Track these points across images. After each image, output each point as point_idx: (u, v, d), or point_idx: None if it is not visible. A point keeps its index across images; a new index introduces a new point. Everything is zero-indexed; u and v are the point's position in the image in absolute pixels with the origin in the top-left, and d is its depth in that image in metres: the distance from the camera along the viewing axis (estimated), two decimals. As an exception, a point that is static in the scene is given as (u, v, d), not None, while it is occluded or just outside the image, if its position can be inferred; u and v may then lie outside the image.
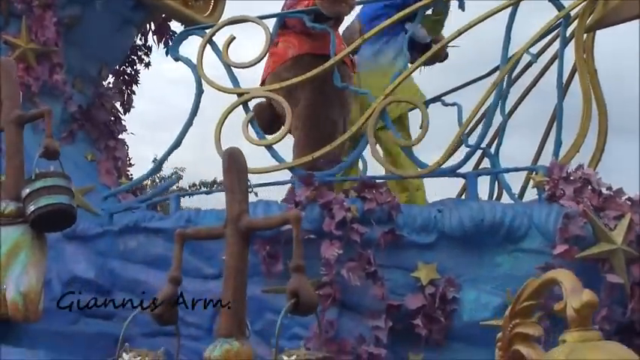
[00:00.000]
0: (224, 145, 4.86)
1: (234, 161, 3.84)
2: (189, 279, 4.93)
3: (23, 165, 4.65)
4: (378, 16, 5.99)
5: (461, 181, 6.04)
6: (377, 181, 4.86)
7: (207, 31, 5.38)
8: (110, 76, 7.42)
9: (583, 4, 5.08)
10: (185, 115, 5.31)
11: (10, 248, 4.48)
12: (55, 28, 6.39)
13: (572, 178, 4.71)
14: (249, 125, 5.11)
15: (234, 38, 5.25)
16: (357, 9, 6.12)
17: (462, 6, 5.13)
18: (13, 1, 6.36)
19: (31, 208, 4.43)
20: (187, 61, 5.34)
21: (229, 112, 5.14)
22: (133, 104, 7.46)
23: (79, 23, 6.59)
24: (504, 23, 5.10)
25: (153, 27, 7.39)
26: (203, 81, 5.25)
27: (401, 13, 5.26)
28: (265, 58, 5.38)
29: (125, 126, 7.17)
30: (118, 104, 7.27)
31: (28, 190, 4.46)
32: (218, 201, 5.10)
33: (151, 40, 7.49)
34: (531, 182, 4.97)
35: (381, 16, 5.92)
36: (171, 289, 3.84)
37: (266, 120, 5.48)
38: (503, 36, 5.08)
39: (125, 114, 7.35)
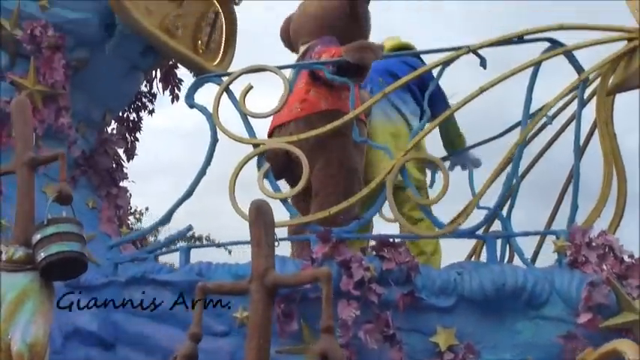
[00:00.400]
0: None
1: (261, 214, 3.71)
2: (198, 335, 4.80)
3: (34, 210, 4.47)
4: (393, 72, 5.93)
5: (467, 243, 5.96)
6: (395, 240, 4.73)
7: (223, 78, 5.27)
8: (113, 122, 7.27)
9: (605, 67, 5.02)
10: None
11: (17, 295, 4.28)
12: (63, 70, 6.25)
13: (594, 244, 4.61)
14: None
15: (252, 87, 5.15)
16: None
17: (483, 64, 5.05)
18: (21, 42, 6.24)
19: (42, 254, 4.24)
20: (203, 109, 5.22)
21: (244, 164, 5.02)
22: (136, 152, 7.30)
23: (86, 67, 6.47)
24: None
25: (159, 74, 7.25)
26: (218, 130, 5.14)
27: (425, 68, 5.18)
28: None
29: (127, 174, 7.02)
30: (120, 151, 7.11)
31: (39, 236, 4.27)
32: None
33: (156, 87, 7.34)
34: (552, 247, 4.83)
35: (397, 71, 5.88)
36: (190, 346, 3.66)
37: (280, 164, 5.34)
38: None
39: (128, 161, 7.19)
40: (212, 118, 5.16)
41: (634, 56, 4.95)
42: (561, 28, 4.97)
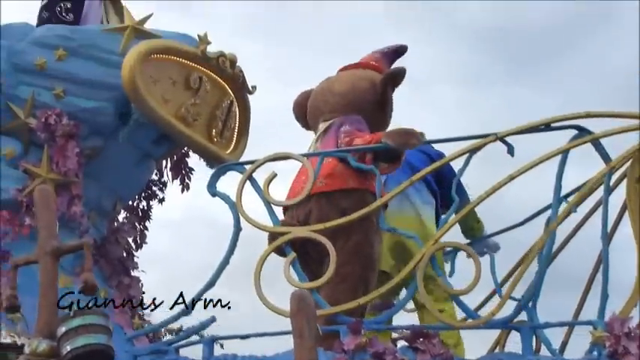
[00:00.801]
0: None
1: (303, 305, 3.56)
2: None
3: (57, 301, 4.29)
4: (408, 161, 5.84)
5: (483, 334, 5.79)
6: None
7: (246, 167, 5.16)
8: (122, 210, 7.13)
9: (634, 154, 4.96)
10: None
11: (40, 392, 4.08)
12: (76, 158, 6.15)
13: (634, 334, 4.46)
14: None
15: (276, 175, 5.05)
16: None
17: (511, 151, 4.96)
18: (35, 130, 6.14)
19: (68, 347, 4.05)
20: (225, 198, 5.10)
21: (270, 253, 4.88)
22: (146, 240, 7.13)
23: (99, 155, 6.36)
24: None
25: (170, 162, 7.14)
26: (242, 218, 5.01)
27: (452, 155, 5.08)
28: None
29: (137, 263, 6.84)
30: (130, 240, 6.95)
31: (64, 329, 4.09)
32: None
33: (166, 175, 7.22)
34: (591, 337, 4.66)
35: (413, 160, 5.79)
36: None
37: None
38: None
39: (137, 250, 7.01)
40: (235, 207, 5.03)
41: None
42: (588, 115, 4.92)
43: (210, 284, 4.98)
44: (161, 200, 7.27)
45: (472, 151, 4.94)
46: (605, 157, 5.02)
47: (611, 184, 5.09)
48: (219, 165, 6.48)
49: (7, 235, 5.89)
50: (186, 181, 7.15)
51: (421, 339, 4.43)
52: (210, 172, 6.70)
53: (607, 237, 5.00)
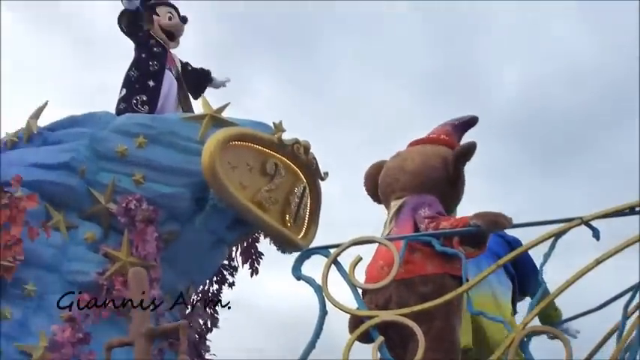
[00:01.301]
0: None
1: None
2: None
3: (153, 382, 4.26)
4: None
5: None
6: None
7: (331, 250, 5.10)
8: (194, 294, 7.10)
9: None
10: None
11: None
12: (155, 243, 6.18)
13: None
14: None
15: (361, 259, 4.98)
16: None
17: (596, 235, 4.86)
18: (115, 215, 6.18)
19: None
20: (310, 281, 5.03)
21: (357, 336, 4.78)
22: (217, 324, 7.06)
23: (175, 240, 6.36)
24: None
25: (240, 247, 7.14)
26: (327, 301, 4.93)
27: (538, 239, 4.99)
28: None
29: (209, 346, 6.77)
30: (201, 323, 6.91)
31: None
32: None
33: (237, 260, 7.21)
34: None
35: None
36: None
37: None
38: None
39: (208, 333, 6.94)
40: (321, 290, 4.96)
41: None
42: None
43: (303, 361, 4.89)
44: (231, 284, 7.24)
45: (557, 235, 4.83)
46: None
47: None
48: (298, 250, 6.52)
49: (88, 318, 5.87)
50: (256, 265, 7.13)
51: None
52: (281, 256, 6.81)
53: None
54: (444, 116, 5.95)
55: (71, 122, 6.65)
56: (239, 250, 7.14)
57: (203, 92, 7.52)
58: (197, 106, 7.34)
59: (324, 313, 4.95)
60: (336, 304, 4.94)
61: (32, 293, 5.82)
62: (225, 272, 7.22)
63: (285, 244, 6.57)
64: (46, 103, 6.71)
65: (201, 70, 7.66)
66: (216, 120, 6.37)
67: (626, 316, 4.78)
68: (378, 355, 4.71)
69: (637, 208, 4.91)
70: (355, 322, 5.01)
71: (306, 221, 6.80)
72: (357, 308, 4.87)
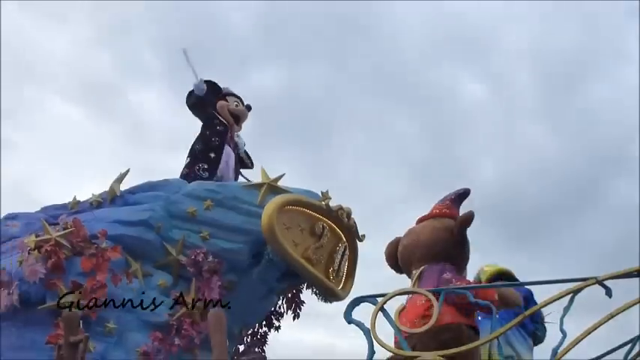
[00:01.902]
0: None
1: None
2: None
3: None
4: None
5: None
6: None
7: (378, 299, 5.17)
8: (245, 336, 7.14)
9: None
10: None
11: None
12: (218, 290, 6.26)
13: None
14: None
15: (404, 308, 5.07)
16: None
17: (609, 294, 4.89)
18: (185, 265, 6.28)
19: None
20: (360, 325, 5.09)
21: (402, 373, 4.84)
22: (266, 363, 7.09)
23: (234, 288, 6.44)
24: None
25: (285, 296, 7.19)
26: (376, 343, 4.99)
27: (555, 296, 5.04)
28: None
29: (259, 382, 6.79)
30: (251, 361, 6.93)
31: None
32: None
33: (282, 307, 7.25)
34: None
35: None
36: None
37: None
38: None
39: (265, 363, 6.95)
40: (369, 333, 5.02)
41: None
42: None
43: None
44: (277, 328, 7.27)
45: (575, 292, 4.89)
46: None
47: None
48: (338, 299, 6.61)
49: (160, 353, 5.93)
50: (298, 311, 7.18)
51: None
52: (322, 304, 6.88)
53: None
54: (432, 198, 6.19)
55: (148, 187, 6.78)
56: (285, 299, 7.19)
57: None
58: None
59: (372, 352, 5.01)
60: (383, 345, 5.01)
61: (113, 331, 5.90)
62: (272, 317, 7.26)
63: (327, 295, 6.65)
64: (127, 171, 6.85)
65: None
66: (272, 188, 6.51)
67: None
68: (420, 388, 4.78)
69: (641, 272, 5.02)
70: None
71: (344, 275, 6.87)
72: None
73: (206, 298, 6.21)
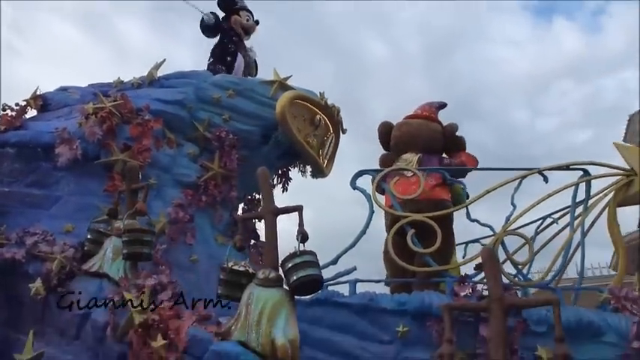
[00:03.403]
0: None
1: (493, 258, 3.25)
2: (368, 342, 4.14)
3: (278, 246, 3.83)
4: None
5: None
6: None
7: (377, 173, 4.79)
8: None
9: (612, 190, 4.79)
10: None
11: (274, 304, 3.60)
12: (236, 161, 5.68)
13: (629, 296, 4.27)
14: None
15: (399, 179, 4.71)
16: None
17: (546, 180, 4.72)
18: (209, 140, 5.64)
19: (294, 277, 3.60)
20: (363, 191, 4.71)
21: (396, 230, 4.50)
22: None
23: (245, 162, 5.85)
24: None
25: (278, 172, 6.66)
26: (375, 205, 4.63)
27: (507, 180, 4.78)
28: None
29: (259, 235, 6.26)
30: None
31: (290, 265, 3.64)
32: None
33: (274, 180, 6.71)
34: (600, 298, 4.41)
35: None
36: (449, 348, 3.06)
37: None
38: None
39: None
40: (371, 197, 4.64)
41: (631, 185, 4.77)
42: (592, 163, 4.75)
43: (351, 246, 4.55)
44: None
45: (523, 177, 4.69)
46: (589, 192, 4.84)
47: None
48: (323, 176, 6.15)
49: (190, 206, 5.34)
50: (286, 185, 6.68)
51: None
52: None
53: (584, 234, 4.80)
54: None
55: (180, 75, 5.97)
56: (278, 175, 6.65)
57: None
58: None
59: (372, 212, 4.65)
60: (382, 207, 4.65)
61: (154, 185, 5.18)
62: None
63: (317, 172, 6.21)
64: (163, 60, 6.03)
65: None
66: (282, 85, 5.88)
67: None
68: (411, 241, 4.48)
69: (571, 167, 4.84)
70: (392, 222, 4.73)
71: (328, 159, 6.40)
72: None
73: (228, 166, 5.63)
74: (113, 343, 3.82)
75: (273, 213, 3.90)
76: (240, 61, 6.65)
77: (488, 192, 4.65)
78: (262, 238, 6.04)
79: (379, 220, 4.88)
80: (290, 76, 5.95)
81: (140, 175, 4.72)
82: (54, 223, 4.73)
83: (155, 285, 3.95)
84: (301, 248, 3.70)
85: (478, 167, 4.85)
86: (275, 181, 6.67)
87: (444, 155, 5.23)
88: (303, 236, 3.73)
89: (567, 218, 5.06)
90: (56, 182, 5.00)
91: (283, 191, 6.71)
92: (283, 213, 3.93)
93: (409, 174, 4.87)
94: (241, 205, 6.56)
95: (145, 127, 5.31)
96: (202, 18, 6.78)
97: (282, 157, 6.23)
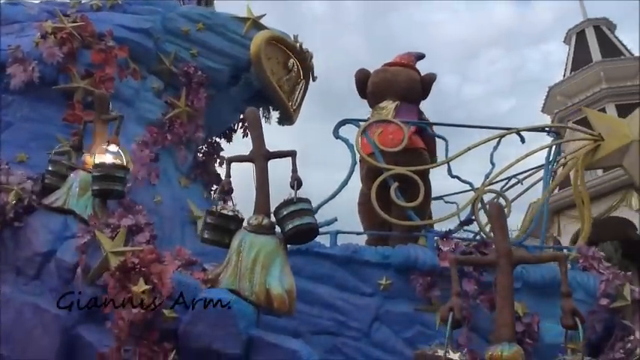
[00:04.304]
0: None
1: (501, 212, 3.16)
2: (349, 294, 4.02)
3: (269, 191, 3.56)
4: None
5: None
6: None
7: (361, 123, 4.57)
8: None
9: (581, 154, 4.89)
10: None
11: (269, 253, 3.35)
12: (204, 100, 5.25)
13: (595, 255, 4.41)
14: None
15: (382, 132, 4.52)
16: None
17: (522, 141, 4.67)
18: (176, 74, 5.17)
19: (289, 225, 3.37)
20: (346, 141, 4.48)
21: (379, 182, 4.34)
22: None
23: (211, 101, 5.44)
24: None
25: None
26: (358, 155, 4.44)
27: (485, 139, 4.70)
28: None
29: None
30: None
31: (285, 212, 3.40)
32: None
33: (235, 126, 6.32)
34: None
35: None
36: (458, 301, 2.97)
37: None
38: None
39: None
40: (354, 148, 4.44)
41: (598, 149, 4.86)
42: (567, 127, 4.82)
43: (332, 197, 4.33)
44: (229, 139, 6.33)
45: (502, 136, 4.63)
46: (558, 153, 4.93)
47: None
48: (290, 123, 5.88)
49: (156, 144, 4.90)
50: (247, 131, 6.31)
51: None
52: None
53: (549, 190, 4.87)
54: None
55: (145, 2, 5.37)
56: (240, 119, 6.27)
57: None
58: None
59: (354, 162, 4.46)
60: (365, 158, 4.46)
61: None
62: (228, 131, 6.33)
63: (285, 118, 5.86)
64: (129, -15, 5.41)
65: None
66: (256, 24, 5.44)
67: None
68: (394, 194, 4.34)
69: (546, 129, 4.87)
70: (374, 174, 4.55)
71: (297, 104, 6.07)
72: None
73: (195, 105, 5.19)
74: (83, 285, 3.44)
75: (264, 157, 3.61)
76: None
77: (469, 149, 4.57)
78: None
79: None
80: (264, 15, 5.52)
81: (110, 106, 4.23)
82: (5, 151, 4.17)
83: (131, 226, 3.58)
84: (294, 195, 3.46)
85: (459, 124, 4.75)
86: (236, 126, 6.33)
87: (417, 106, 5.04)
88: (297, 182, 3.49)
89: (530, 179, 5.21)
90: (7, 106, 4.39)
91: (244, 136, 6.37)
92: (275, 157, 3.63)
93: (394, 126, 4.69)
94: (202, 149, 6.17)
95: (108, 55, 4.75)
96: None
97: (248, 101, 5.79)
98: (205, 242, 3.52)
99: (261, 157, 3.61)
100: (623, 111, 12.82)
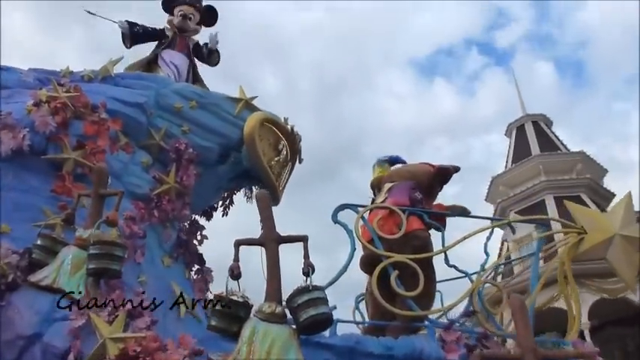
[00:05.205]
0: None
1: (523, 308, 3.09)
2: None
3: (280, 277, 3.38)
4: None
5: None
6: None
7: (359, 209, 4.51)
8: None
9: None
10: None
11: (283, 343, 3.13)
12: (193, 178, 5.09)
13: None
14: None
15: (382, 217, 4.48)
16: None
17: (513, 232, 4.79)
18: (168, 151, 5.03)
19: (304, 315, 3.18)
20: (344, 226, 4.39)
21: (381, 270, 4.23)
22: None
23: (198, 179, 5.27)
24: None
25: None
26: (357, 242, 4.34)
27: (482, 228, 4.75)
28: None
29: (204, 260, 5.58)
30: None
31: (299, 301, 3.21)
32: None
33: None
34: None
35: None
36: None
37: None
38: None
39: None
40: (353, 233, 4.35)
41: (582, 242, 4.93)
42: (552, 219, 4.95)
43: (332, 283, 4.15)
44: (209, 218, 6.12)
45: (494, 227, 4.71)
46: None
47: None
48: (276, 204, 5.79)
49: (142, 220, 4.65)
50: (227, 210, 6.16)
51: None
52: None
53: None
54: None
55: (138, 76, 5.35)
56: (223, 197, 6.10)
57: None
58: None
59: (354, 249, 4.37)
60: (365, 245, 4.39)
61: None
62: (209, 210, 6.12)
63: (272, 199, 5.69)
64: (122, 57, 5.34)
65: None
66: (248, 105, 5.43)
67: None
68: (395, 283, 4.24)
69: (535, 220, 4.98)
70: (366, 261, 4.48)
71: (283, 186, 5.99)
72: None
73: (185, 182, 5.02)
74: (73, 376, 3.08)
75: (275, 241, 3.47)
76: (171, 57, 5.99)
77: (465, 238, 4.59)
78: (208, 263, 5.57)
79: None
80: (256, 97, 5.55)
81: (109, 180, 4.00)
82: (-15, 221, 3.82)
83: (131, 310, 3.28)
84: (308, 282, 3.30)
85: (455, 214, 4.79)
86: (218, 204, 6.15)
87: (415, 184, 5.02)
88: (311, 269, 3.35)
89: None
90: (-10, 173, 4.09)
91: (223, 215, 6.20)
92: (286, 242, 3.48)
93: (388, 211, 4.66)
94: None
95: (101, 127, 4.57)
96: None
97: (233, 180, 5.72)
98: (212, 330, 3.26)
99: (272, 241, 3.46)
100: (561, 203, 13.47)
